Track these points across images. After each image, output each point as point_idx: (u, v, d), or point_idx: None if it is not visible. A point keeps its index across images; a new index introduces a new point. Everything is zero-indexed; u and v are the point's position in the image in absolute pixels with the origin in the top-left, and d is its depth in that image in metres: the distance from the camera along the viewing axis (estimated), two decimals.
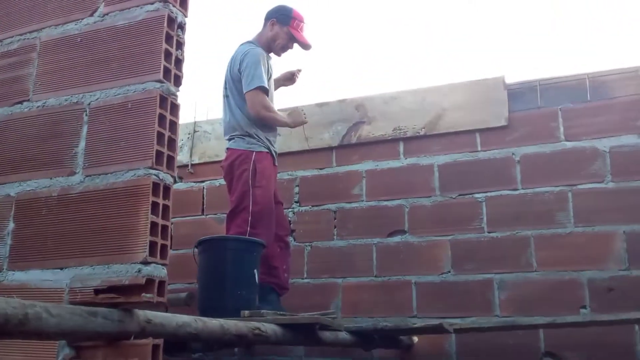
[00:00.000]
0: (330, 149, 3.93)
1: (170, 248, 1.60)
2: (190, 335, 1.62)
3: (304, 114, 3.47)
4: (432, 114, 3.72)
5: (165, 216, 1.51)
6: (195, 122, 4.46)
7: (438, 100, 3.73)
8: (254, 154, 3.13)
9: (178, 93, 1.64)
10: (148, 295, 1.40)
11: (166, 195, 1.52)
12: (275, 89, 3.75)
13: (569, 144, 3.37)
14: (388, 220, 3.64)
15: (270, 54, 3.46)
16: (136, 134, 1.54)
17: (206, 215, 4.13)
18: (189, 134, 4.45)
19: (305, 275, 3.75)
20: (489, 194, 3.46)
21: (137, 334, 1.43)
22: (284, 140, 3.85)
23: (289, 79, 3.74)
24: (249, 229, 2.92)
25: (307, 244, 3.81)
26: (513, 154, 3.48)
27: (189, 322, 1.61)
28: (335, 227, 3.77)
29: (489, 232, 3.40)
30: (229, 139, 3.26)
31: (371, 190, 3.74)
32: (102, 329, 1.28)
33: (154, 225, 1.46)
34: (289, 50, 3.51)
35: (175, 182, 1.56)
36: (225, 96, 3.32)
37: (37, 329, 1.09)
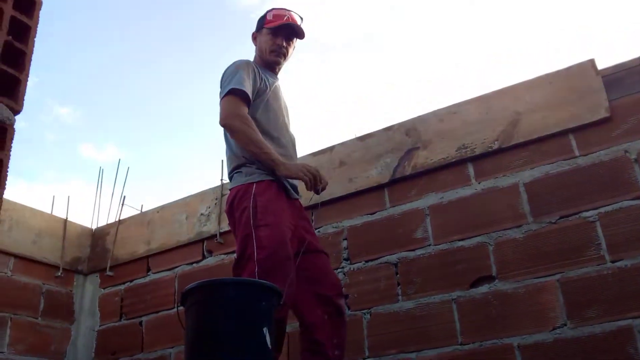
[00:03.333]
0: (380, 187, 3.10)
1: None
2: None
3: (322, 182, 2.27)
4: (504, 122, 2.87)
5: None
6: (222, 184, 3.77)
7: (509, 104, 2.90)
8: (253, 186, 2.29)
9: None
10: None
11: None
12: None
13: None
14: (467, 265, 2.72)
15: (277, 72, 2.68)
16: None
17: None
18: (216, 199, 3.76)
19: (367, 354, 2.81)
20: (602, 210, 2.50)
21: None
22: None
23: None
24: None
25: (365, 311, 2.90)
26: (626, 151, 2.54)
27: None
28: (398, 284, 2.86)
29: (612, 262, 2.41)
30: (230, 178, 2.48)
31: (439, 229, 2.85)
32: None
33: None
34: (287, 51, 2.67)
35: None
36: None
37: None
